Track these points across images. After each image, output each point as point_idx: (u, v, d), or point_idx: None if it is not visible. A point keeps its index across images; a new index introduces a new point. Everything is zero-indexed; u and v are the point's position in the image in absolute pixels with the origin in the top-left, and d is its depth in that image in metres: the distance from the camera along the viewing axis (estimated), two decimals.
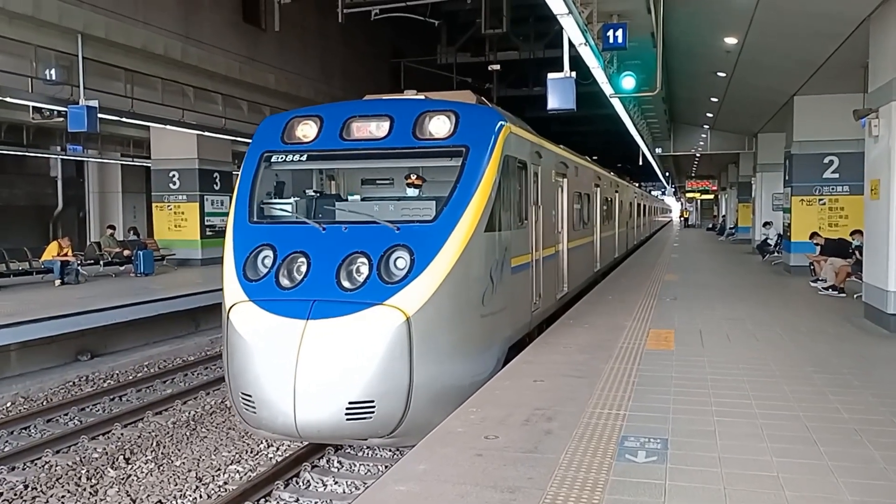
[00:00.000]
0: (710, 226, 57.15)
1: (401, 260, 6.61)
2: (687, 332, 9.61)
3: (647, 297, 13.37)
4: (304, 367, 6.05)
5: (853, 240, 14.06)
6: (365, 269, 6.61)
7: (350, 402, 6.06)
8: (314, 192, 8.39)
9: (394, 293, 6.36)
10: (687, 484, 4.48)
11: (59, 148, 24.45)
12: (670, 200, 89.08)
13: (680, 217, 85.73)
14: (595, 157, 22.41)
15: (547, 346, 8.78)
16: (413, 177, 8.04)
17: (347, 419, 6.08)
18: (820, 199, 17.26)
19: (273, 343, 6.27)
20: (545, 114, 12.65)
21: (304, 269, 6.76)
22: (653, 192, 63.08)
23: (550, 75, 11.78)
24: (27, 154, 23.23)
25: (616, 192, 21.25)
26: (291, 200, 7.93)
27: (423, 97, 8.37)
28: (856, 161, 14.11)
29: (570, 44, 10.92)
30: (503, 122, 7.85)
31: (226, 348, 6.78)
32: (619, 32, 11.70)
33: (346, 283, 6.53)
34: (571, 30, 9.94)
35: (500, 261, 7.68)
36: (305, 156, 7.77)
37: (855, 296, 12.61)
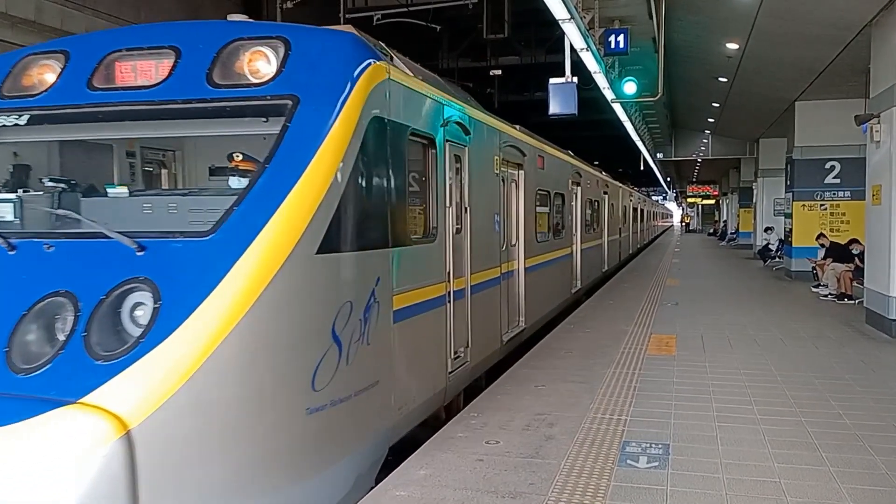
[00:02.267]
0: (712, 231, 57.16)
1: (140, 310, 3.65)
2: (688, 338, 9.60)
3: (649, 301, 13.36)
4: None
5: (852, 248, 14.10)
6: (68, 326, 3.62)
7: None
8: (53, 181, 4.82)
9: (107, 379, 3.37)
10: (688, 489, 4.47)
11: None
12: (671, 205, 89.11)
13: (681, 222, 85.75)
14: (596, 162, 22.29)
15: (548, 351, 8.77)
16: (238, 157, 4.81)
17: None
18: (821, 205, 17.26)
19: None
20: (547, 119, 12.67)
21: None
22: (653, 197, 63.01)
23: (552, 80, 11.84)
24: None
25: (605, 193, 18.17)
26: (12, 196, 4.64)
27: (244, 19, 5.09)
28: (857, 166, 14.12)
29: (572, 49, 10.98)
30: (371, 60, 4.71)
31: None
32: (621, 38, 11.74)
33: (22, 357, 3.55)
34: (573, 35, 9.98)
35: (361, 303, 4.50)
36: (26, 116, 4.59)
37: (857, 301, 12.61)
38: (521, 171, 9.16)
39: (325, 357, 4.14)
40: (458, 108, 6.56)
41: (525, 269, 9.14)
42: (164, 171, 5.72)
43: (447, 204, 6.14)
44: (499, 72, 20.20)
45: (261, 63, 4.48)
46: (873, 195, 10.60)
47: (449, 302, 6.18)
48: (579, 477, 4.67)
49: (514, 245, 8.91)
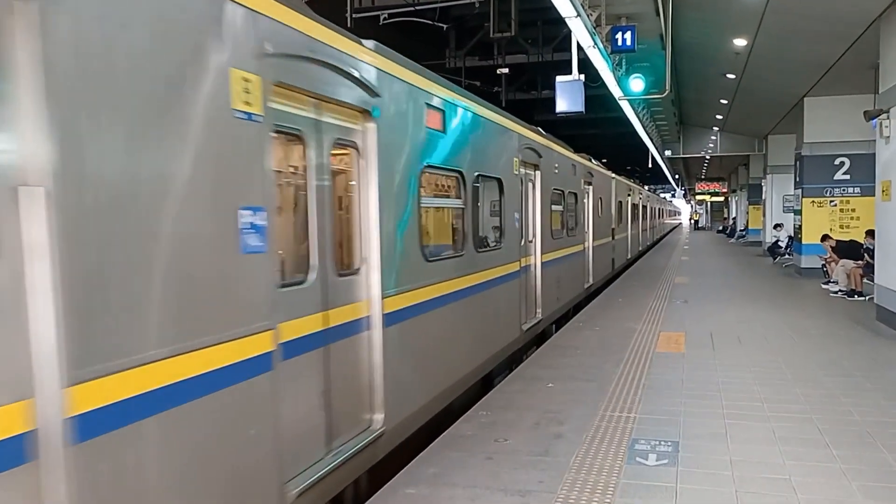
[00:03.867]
0: (720, 228, 56.98)
1: None
2: (697, 335, 9.58)
3: (657, 299, 13.34)
4: None
5: (866, 242, 14.00)
6: None
7: None
8: None
9: None
10: (698, 487, 4.47)
11: None
12: (680, 202, 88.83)
13: (690, 220, 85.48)
14: (604, 160, 22.16)
15: (557, 350, 8.78)
16: None
17: None
18: (831, 201, 17.19)
19: None
20: (554, 117, 12.67)
21: None
22: (662, 195, 62.73)
23: (559, 78, 11.83)
24: None
25: (588, 184, 14.11)
26: None
27: None
28: (867, 162, 14.06)
29: (579, 47, 10.96)
30: None
31: None
32: (628, 35, 11.71)
33: None
34: (580, 32, 9.96)
35: None
36: None
37: (867, 298, 12.55)
38: (372, 127, 4.83)
39: None
40: None
41: (385, 316, 4.89)
42: None
43: None
44: (506, 70, 20.18)
45: None
46: (883, 191, 10.54)
47: None
48: (588, 474, 4.68)
49: (359, 270, 4.74)
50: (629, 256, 22.63)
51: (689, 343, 9.05)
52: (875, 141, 11.09)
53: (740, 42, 13.94)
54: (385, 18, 16.26)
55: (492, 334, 7.61)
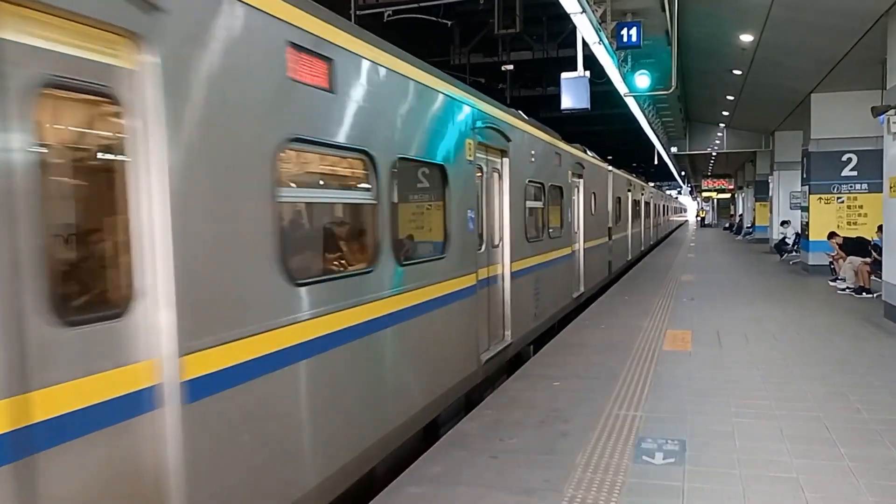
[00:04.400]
0: (727, 225, 56.85)
1: None
2: (704, 333, 9.54)
3: (664, 297, 13.29)
4: None
5: (876, 237, 13.91)
6: None
7: None
8: None
9: None
10: (705, 485, 4.44)
11: None
12: (686, 199, 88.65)
13: (696, 216, 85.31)
14: (610, 158, 22.07)
15: (563, 348, 8.75)
16: None
17: None
18: (838, 198, 17.10)
19: None
20: (559, 113, 12.62)
21: None
22: (668, 192, 62.54)
23: (564, 75, 11.81)
24: None
25: (578, 177, 12.32)
26: None
27: None
28: (875, 158, 13.96)
29: (584, 43, 10.93)
30: None
31: None
32: (634, 31, 11.67)
33: None
34: (585, 29, 9.92)
35: None
36: None
37: (875, 295, 12.49)
38: (151, 64, 2.85)
39: None
40: None
41: (188, 384, 2.99)
42: None
43: None
44: (511, 67, 20.14)
45: None
46: (891, 187, 10.49)
47: None
48: (595, 473, 4.65)
49: (125, 312, 2.79)
50: (629, 258, 20.78)
51: (695, 341, 9.01)
52: (883, 137, 11.03)
53: (747, 37, 13.87)
54: (389, 15, 16.23)
55: (428, 375, 5.67)
